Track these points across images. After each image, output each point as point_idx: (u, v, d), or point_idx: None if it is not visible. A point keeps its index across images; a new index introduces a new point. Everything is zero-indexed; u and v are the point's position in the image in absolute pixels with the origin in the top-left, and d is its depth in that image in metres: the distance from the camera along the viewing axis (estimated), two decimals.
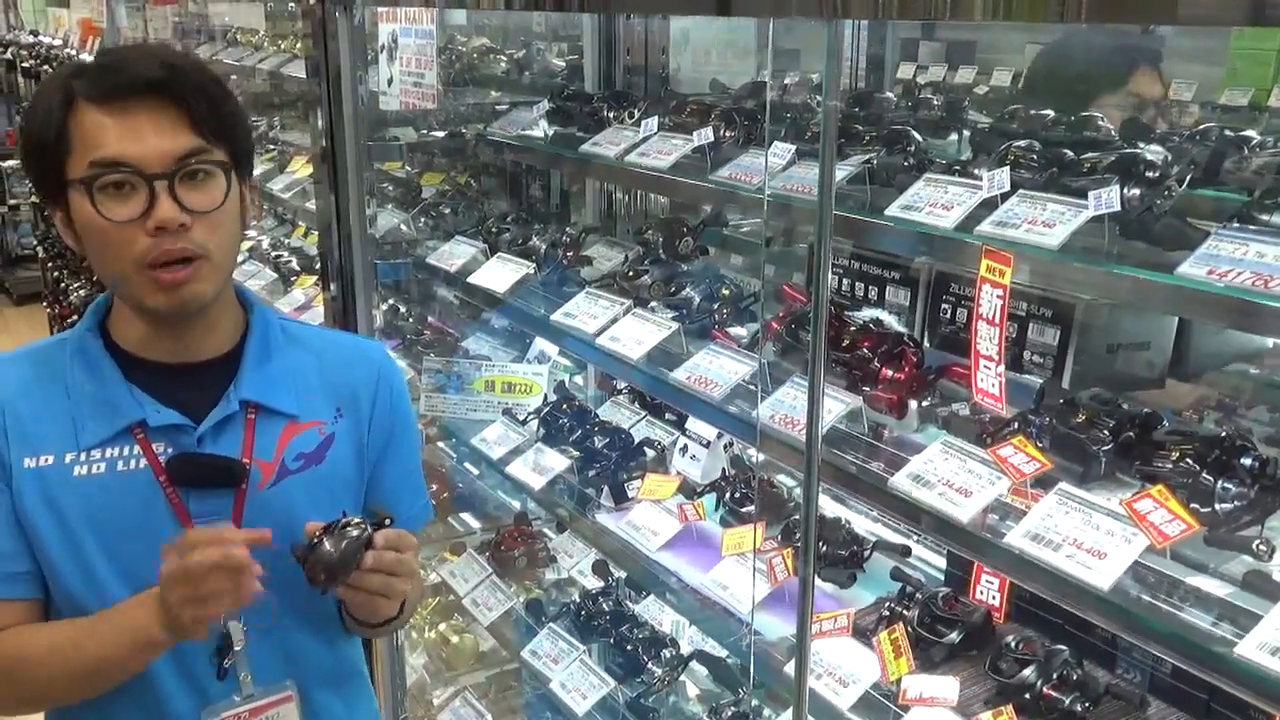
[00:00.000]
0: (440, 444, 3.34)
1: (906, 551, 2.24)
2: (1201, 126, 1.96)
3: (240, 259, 2.99)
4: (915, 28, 3.73)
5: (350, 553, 1.40)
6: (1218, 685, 1.45)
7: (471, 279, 2.92)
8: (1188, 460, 1.56)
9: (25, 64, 7.64)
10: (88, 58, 5.92)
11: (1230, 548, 1.52)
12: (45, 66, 6.84)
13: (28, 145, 1.48)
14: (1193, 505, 1.51)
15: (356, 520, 1.43)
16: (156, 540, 1.49)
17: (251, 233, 4.38)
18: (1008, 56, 3.56)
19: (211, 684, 1.53)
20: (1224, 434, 1.58)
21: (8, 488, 1.50)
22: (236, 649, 1.52)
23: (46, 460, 1.51)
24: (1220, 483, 1.51)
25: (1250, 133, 1.85)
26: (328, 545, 1.40)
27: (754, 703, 2.44)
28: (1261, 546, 1.48)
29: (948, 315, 2.13)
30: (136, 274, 1.44)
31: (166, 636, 1.43)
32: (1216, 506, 1.51)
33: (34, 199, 8.38)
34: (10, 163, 9.55)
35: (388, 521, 1.46)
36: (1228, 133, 1.85)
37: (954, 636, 1.99)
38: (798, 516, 2.32)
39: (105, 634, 1.47)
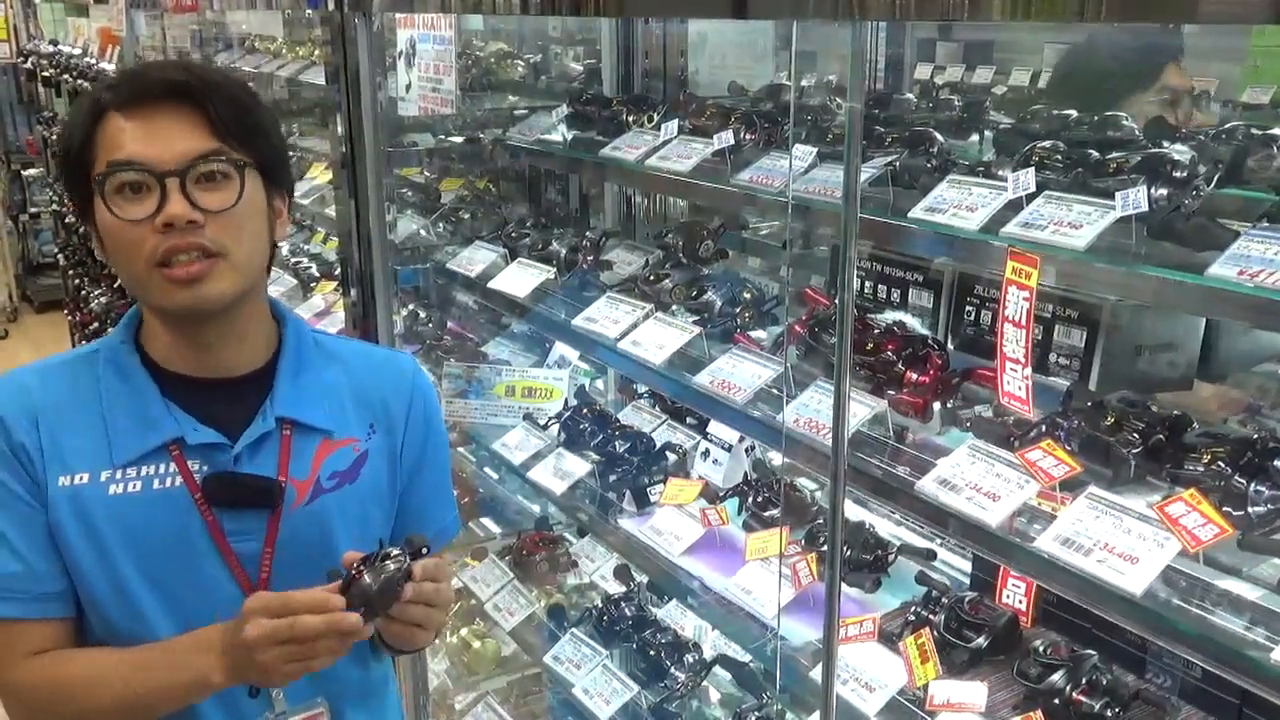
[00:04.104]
0: (461, 449, 3.34)
1: (931, 555, 2.22)
2: (1227, 125, 1.94)
3: None
4: (932, 28, 3.71)
5: (390, 586, 1.39)
6: (1249, 689, 1.43)
7: (491, 284, 2.92)
8: (1219, 463, 1.54)
9: (45, 73, 7.67)
10: (108, 66, 5.98)
11: (1264, 551, 1.50)
12: (65, 76, 6.87)
13: (60, 157, 1.49)
14: (1225, 509, 1.50)
15: (395, 551, 1.41)
16: (191, 559, 1.50)
17: None
18: (1025, 56, 3.53)
19: (244, 701, 1.52)
20: (1256, 436, 1.57)
21: (42, 507, 1.48)
22: None
23: (81, 479, 1.48)
24: (1253, 485, 1.50)
25: (1277, 131, 1.83)
26: (367, 579, 1.38)
27: (778, 707, 2.43)
28: None
29: (971, 317, 2.12)
30: (149, 274, 1.43)
31: (227, 682, 1.42)
32: (1249, 510, 1.49)
33: (55, 207, 8.44)
34: (32, 171, 9.63)
35: (424, 550, 1.43)
36: (1254, 131, 1.83)
37: (981, 641, 1.97)
38: (821, 521, 2.31)
39: (159, 673, 1.45)
